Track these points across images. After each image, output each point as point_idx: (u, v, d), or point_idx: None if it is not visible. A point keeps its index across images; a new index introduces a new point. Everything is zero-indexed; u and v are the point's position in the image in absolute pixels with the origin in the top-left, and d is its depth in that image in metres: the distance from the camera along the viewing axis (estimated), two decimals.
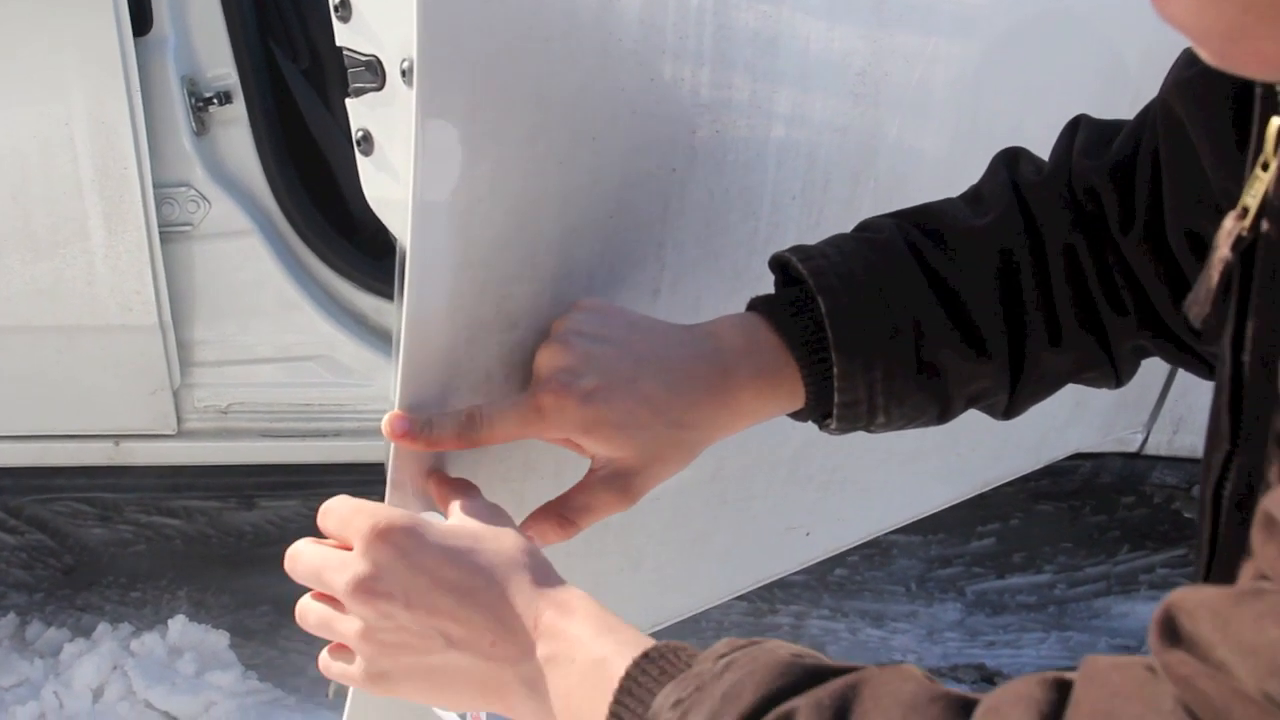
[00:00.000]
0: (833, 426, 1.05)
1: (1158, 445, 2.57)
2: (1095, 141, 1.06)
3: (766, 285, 1.34)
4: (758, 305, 1.07)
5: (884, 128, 1.40)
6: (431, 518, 0.93)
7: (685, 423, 1.01)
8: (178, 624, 2.99)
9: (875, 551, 3.41)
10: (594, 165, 1.09)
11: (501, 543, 0.89)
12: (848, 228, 1.41)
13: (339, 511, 0.92)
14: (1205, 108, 0.90)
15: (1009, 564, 3.39)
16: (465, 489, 1.00)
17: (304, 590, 0.94)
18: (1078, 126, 1.09)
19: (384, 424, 1.00)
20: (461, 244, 1.01)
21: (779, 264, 1.08)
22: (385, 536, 0.87)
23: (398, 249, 1.02)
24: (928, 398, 1.05)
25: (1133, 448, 2.59)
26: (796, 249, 1.07)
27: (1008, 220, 1.06)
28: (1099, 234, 1.05)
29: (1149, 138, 1.01)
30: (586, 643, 0.82)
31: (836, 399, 1.03)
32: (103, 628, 3.04)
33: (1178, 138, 0.96)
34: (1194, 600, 0.56)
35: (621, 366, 0.99)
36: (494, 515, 0.93)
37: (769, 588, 3.23)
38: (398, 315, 1.01)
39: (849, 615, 3.18)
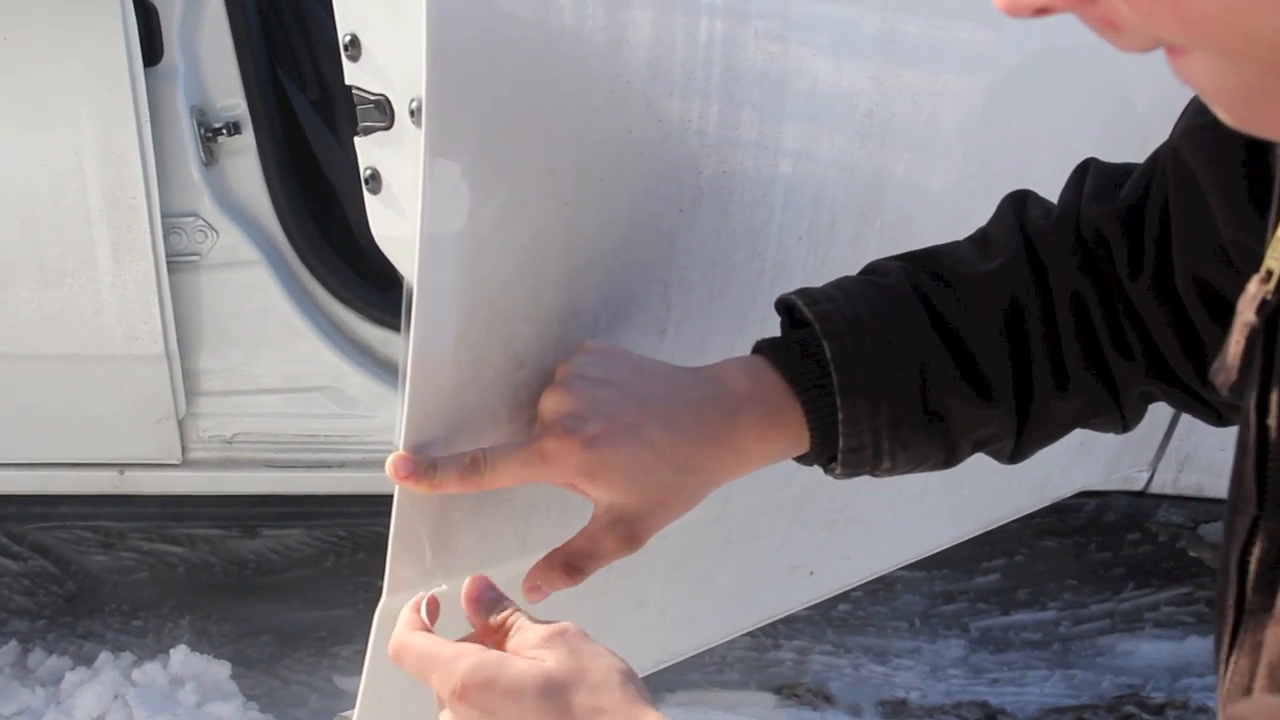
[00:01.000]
0: (838, 471, 1.05)
1: (1163, 484, 2.57)
2: (1104, 186, 1.06)
3: (772, 325, 1.34)
4: (763, 348, 1.06)
5: (890, 167, 1.40)
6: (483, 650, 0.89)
7: (690, 467, 1.01)
8: (179, 653, 2.98)
9: (879, 587, 3.40)
10: (601, 206, 1.09)
11: (571, 694, 0.84)
12: (854, 267, 1.41)
13: (415, 654, 0.90)
14: (1216, 159, 0.89)
15: (1014, 600, 3.38)
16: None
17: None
18: (1087, 171, 1.09)
19: (388, 465, 1.00)
20: (468, 283, 1.01)
21: (785, 306, 1.07)
22: (464, 698, 0.85)
23: (405, 286, 1.02)
24: (934, 443, 1.05)
25: (1138, 486, 2.58)
26: (802, 292, 1.06)
27: (1015, 265, 1.05)
28: (1107, 279, 1.04)
29: (1159, 184, 1.01)
30: None
31: (841, 444, 1.02)
32: (104, 656, 3.03)
33: (1187, 185, 0.95)
34: (1250, 711, 0.55)
35: (625, 411, 0.99)
36: (553, 642, 0.88)
37: (772, 623, 3.22)
38: (404, 351, 1.01)
39: (852, 651, 3.16)
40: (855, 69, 1.32)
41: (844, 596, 3.34)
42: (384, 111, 1.20)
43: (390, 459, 1.00)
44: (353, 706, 1.20)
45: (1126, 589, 3.38)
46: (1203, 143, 0.92)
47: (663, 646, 1.52)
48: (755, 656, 3.13)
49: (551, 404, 1.01)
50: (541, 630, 0.88)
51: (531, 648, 0.87)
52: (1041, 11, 0.56)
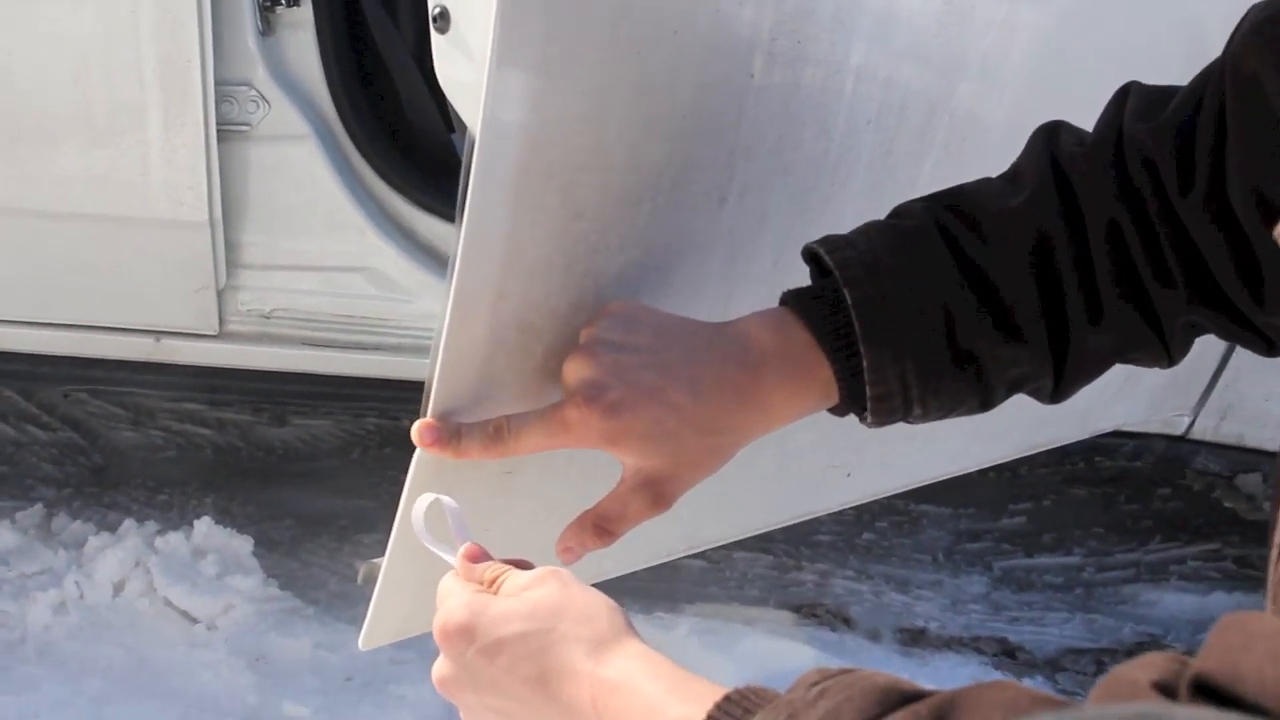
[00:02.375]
0: (869, 420, 1.04)
1: (1204, 430, 2.53)
2: (1149, 105, 1.02)
3: (835, 207, 1.32)
4: (788, 299, 1.05)
5: (966, 60, 1.36)
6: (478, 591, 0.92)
7: (715, 429, 1.01)
8: (203, 525, 3.00)
9: (904, 520, 3.39)
10: (672, 59, 1.07)
11: (556, 620, 0.86)
12: (920, 158, 1.39)
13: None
14: None
15: (1038, 543, 3.36)
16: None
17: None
18: (1128, 93, 1.05)
19: (414, 432, 1.03)
20: (532, 122, 0.99)
21: (810, 255, 1.06)
22: (444, 638, 0.89)
23: (462, 169, 1.00)
24: (965, 387, 1.03)
25: (1178, 430, 2.55)
26: (826, 240, 1.05)
27: (1043, 197, 1.02)
28: (1149, 202, 1.00)
29: (1212, 96, 0.97)
30: (660, 705, 0.80)
31: (869, 392, 1.01)
32: (128, 524, 3.05)
33: (1249, 94, 0.92)
34: None
35: (647, 375, 0.99)
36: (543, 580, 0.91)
37: (796, 545, 3.21)
38: (458, 230, 0.99)
39: (874, 578, 3.15)
40: None
41: (868, 526, 3.33)
42: None
43: (415, 426, 1.03)
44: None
45: (1154, 541, 3.35)
46: (1273, 46, 0.89)
47: (692, 533, 1.51)
48: (776, 575, 3.12)
49: (573, 371, 1.01)
50: (529, 574, 0.90)
51: (522, 589, 0.89)
52: None
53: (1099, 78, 1.50)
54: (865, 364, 1.00)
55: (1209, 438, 2.56)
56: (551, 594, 0.87)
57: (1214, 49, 1.72)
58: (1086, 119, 1.56)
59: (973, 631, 2.99)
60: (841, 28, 1.23)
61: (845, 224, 1.32)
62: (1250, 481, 2.72)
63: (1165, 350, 1.05)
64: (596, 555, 1.07)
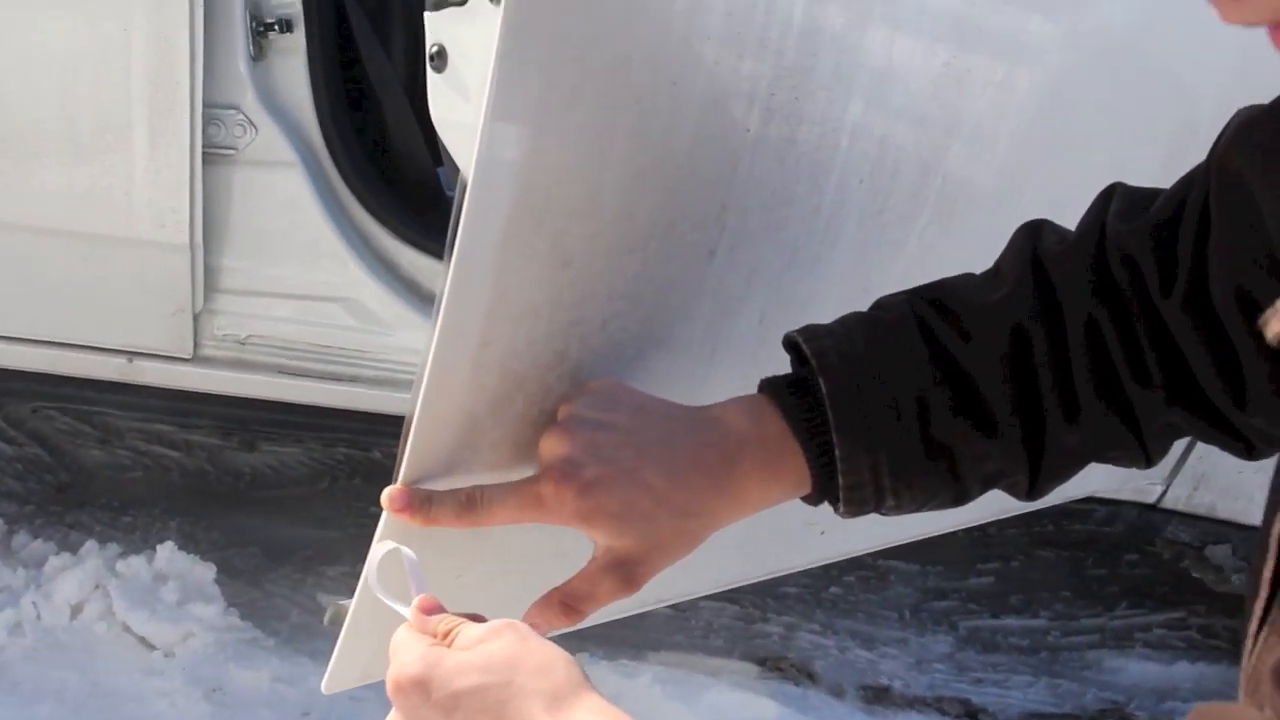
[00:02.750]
0: (841, 510, 1.03)
1: (1176, 499, 2.54)
2: (1132, 207, 1.03)
3: (825, 265, 1.31)
4: (765, 387, 1.05)
5: (961, 121, 1.36)
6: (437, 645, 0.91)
7: (688, 511, 1.01)
8: (166, 550, 2.96)
9: (872, 575, 3.38)
10: (670, 110, 1.06)
11: (513, 673, 0.85)
12: (911, 218, 1.39)
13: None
14: (1274, 158, 0.88)
15: (1005, 605, 3.35)
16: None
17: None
18: (1112, 194, 1.06)
19: (385, 497, 1.01)
20: (526, 167, 0.98)
21: (790, 344, 1.06)
22: (398, 692, 0.88)
23: (453, 210, 0.99)
24: (938, 480, 1.02)
25: (1150, 499, 2.55)
26: (805, 330, 1.05)
27: (1021, 293, 1.02)
28: (1129, 301, 1.00)
29: (1195, 198, 0.98)
30: None
31: (841, 482, 1.01)
32: (90, 545, 3.01)
33: (1234, 193, 0.93)
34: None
35: (622, 455, 0.99)
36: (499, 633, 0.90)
37: (762, 596, 3.20)
38: (445, 271, 0.98)
39: (839, 633, 3.14)
40: (940, 10, 1.28)
41: (836, 580, 3.32)
42: None
43: (387, 491, 1.01)
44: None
45: (1120, 607, 3.34)
46: (1259, 146, 0.90)
47: (667, 585, 1.48)
48: (742, 627, 3.10)
49: (549, 447, 1.01)
50: (484, 626, 0.89)
51: (477, 641, 0.88)
52: None
53: (1092, 141, 1.51)
54: (838, 453, 1.00)
55: (1181, 507, 2.57)
56: (507, 646, 0.86)
57: (1203, 114, 1.73)
58: (1078, 181, 1.56)
59: (936, 691, 2.97)
60: (840, 85, 1.22)
61: (834, 282, 1.32)
62: (1219, 553, 2.72)
63: (1143, 451, 1.04)
64: None
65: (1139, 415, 1.01)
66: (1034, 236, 1.06)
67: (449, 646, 0.89)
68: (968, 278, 1.08)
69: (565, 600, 1.03)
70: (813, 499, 1.05)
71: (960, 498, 1.05)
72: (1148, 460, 1.06)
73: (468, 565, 1.14)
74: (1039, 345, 1.01)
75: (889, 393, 1.00)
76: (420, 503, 1.01)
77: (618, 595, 1.03)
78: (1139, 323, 1.00)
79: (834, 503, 1.04)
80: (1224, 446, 1.03)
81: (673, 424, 1.02)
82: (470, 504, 1.01)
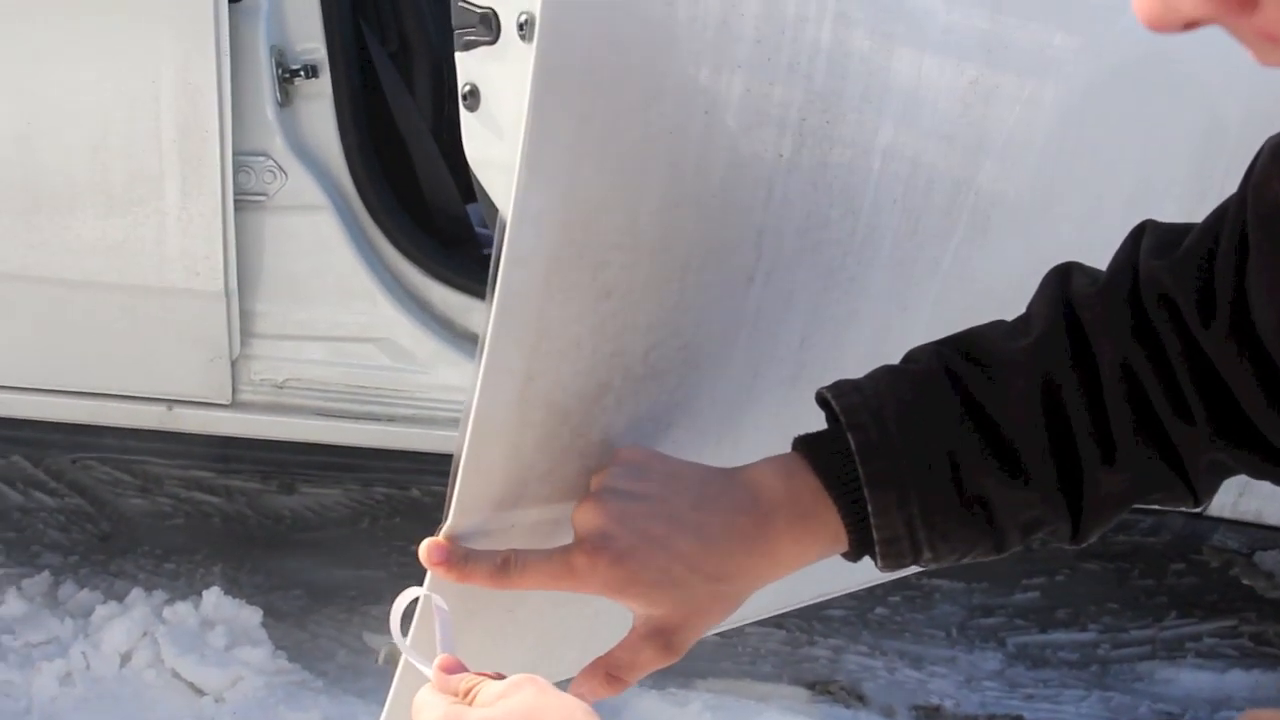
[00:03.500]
0: (879, 565, 1.03)
1: (1221, 507, 2.52)
2: (1165, 243, 1.01)
3: (861, 286, 1.31)
4: (798, 445, 1.04)
5: (990, 139, 1.36)
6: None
7: (723, 576, 1.01)
8: (212, 596, 2.98)
9: (917, 594, 3.37)
10: (703, 138, 1.06)
11: (545, 717, 0.85)
12: (945, 237, 1.39)
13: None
14: None
15: (1052, 619, 3.33)
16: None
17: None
18: (1143, 231, 1.04)
19: (422, 550, 1.01)
20: (565, 203, 0.98)
21: (822, 400, 1.05)
22: None
23: (494, 249, 0.99)
24: (976, 532, 1.01)
25: (1195, 507, 2.53)
26: (835, 385, 1.05)
27: (1053, 338, 1.01)
28: (1167, 339, 0.99)
29: (1231, 227, 0.96)
30: None
31: (875, 536, 1.00)
32: (136, 593, 3.03)
33: (1274, 221, 0.91)
34: None
35: (655, 525, 0.99)
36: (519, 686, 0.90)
37: (809, 620, 3.19)
38: (488, 309, 0.99)
39: (887, 654, 3.12)
40: (966, 28, 1.28)
41: (882, 601, 3.31)
42: (490, 26, 1.18)
43: (425, 543, 1.02)
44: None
45: (1169, 617, 3.32)
46: None
47: None
48: (789, 651, 3.09)
49: (582, 518, 1.01)
50: (503, 683, 0.89)
51: (497, 697, 0.87)
52: (1190, 26, 0.53)
53: (1121, 151, 1.51)
54: (871, 509, 0.99)
55: (1227, 514, 2.54)
56: (526, 700, 0.86)
57: (1230, 120, 1.73)
58: (1109, 192, 1.57)
59: (988, 709, 2.95)
60: (870, 106, 1.22)
61: (871, 303, 1.32)
62: (1269, 559, 2.70)
63: (1190, 490, 1.02)
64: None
65: (1182, 454, 0.99)
66: (1064, 281, 1.05)
67: (470, 704, 0.89)
68: (998, 325, 1.07)
69: (609, 670, 1.03)
70: (851, 555, 1.04)
71: (1000, 547, 1.03)
72: (1195, 500, 1.03)
73: (522, 598, 1.15)
74: (1072, 390, 1.00)
75: (920, 446, 1.00)
76: (457, 560, 1.01)
77: (659, 663, 1.03)
78: (1178, 360, 0.98)
79: (872, 557, 1.03)
80: (1273, 479, 1.00)
81: (705, 489, 1.02)
82: (505, 567, 1.01)
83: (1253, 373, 0.95)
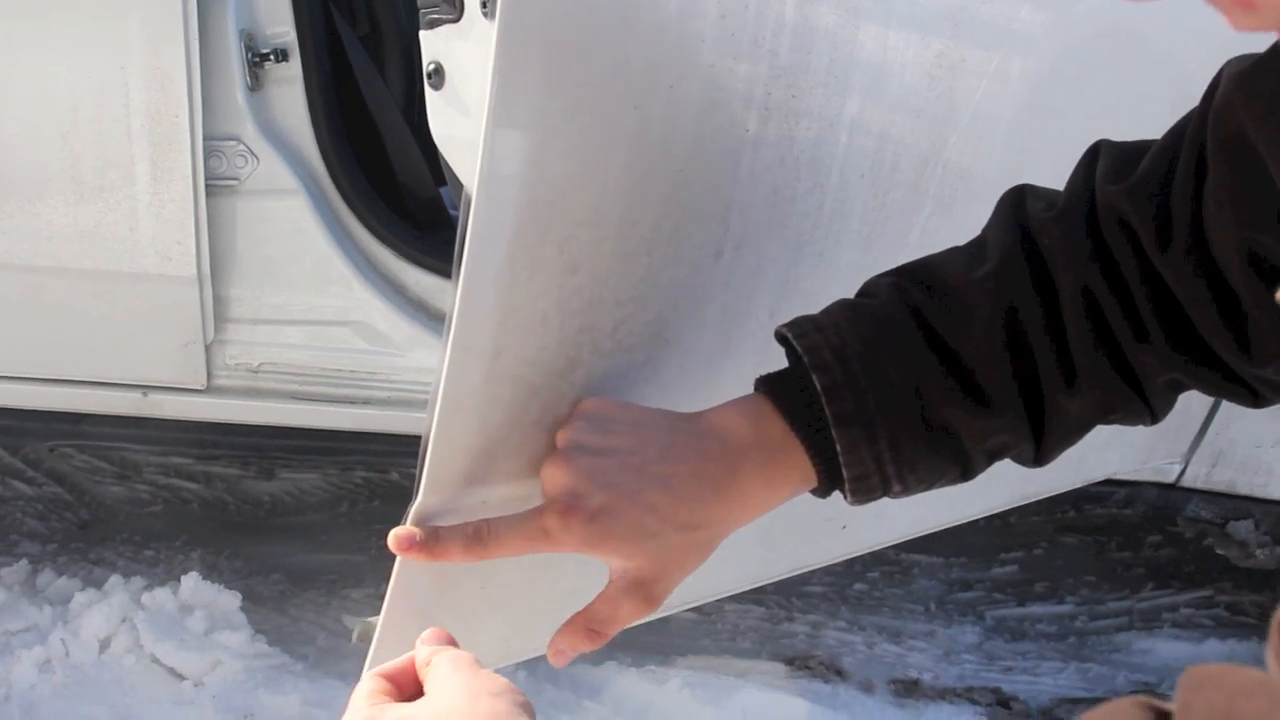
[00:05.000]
0: (849, 499, 1.04)
1: (1195, 478, 2.53)
2: (1121, 164, 1.01)
3: (830, 260, 1.32)
4: (761, 385, 1.05)
5: (957, 112, 1.36)
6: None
7: (696, 524, 1.01)
8: (190, 581, 2.98)
9: (895, 570, 3.38)
10: (668, 114, 1.07)
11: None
12: (913, 210, 1.39)
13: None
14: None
15: (1030, 592, 3.35)
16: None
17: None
18: (1098, 153, 1.04)
19: (391, 539, 1.02)
20: (529, 179, 0.99)
21: (783, 339, 1.06)
22: None
23: (459, 225, 0.99)
24: (943, 460, 1.02)
25: (1169, 478, 2.55)
26: (794, 323, 1.04)
27: (1010, 265, 1.02)
28: (1125, 265, 0.99)
29: (1188, 151, 0.96)
30: None
31: (845, 474, 1.01)
32: (114, 580, 3.03)
33: (1235, 149, 0.91)
34: None
35: (623, 479, 0.99)
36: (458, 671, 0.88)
37: (787, 596, 3.20)
38: (455, 286, 0.99)
39: (866, 629, 3.14)
40: (929, 3, 1.28)
41: (860, 576, 3.32)
42: (453, 3, 1.17)
43: (393, 533, 1.02)
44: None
45: (1145, 589, 3.34)
46: (1260, 97, 0.88)
47: (689, 587, 1.49)
48: (768, 627, 3.10)
49: (550, 478, 1.02)
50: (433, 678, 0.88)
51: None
52: None
53: (1088, 126, 1.51)
54: (839, 447, 1.00)
55: (1200, 485, 2.56)
56: (466, 698, 0.84)
57: (1199, 91, 1.73)
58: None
59: (967, 682, 2.97)
60: (835, 81, 1.23)
61: (840, 276, 1.32)
62: (1242, 528, 2.71)
63: (1148, 408, 1.04)
64: None
65: (1140, 375, 1.01)
66: (1019, 204, 1.05)
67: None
68: (953, 253, 1.07)
69: (589, 625, 1.03)
70: (820, 491, 1.05)
71: (968, 473, 1.04)
72: (1153, 417, 1.05)
73: (490, 576, 1.15)
74: (1031, 316, 1.01)
75: (884, 383, 1.00)
76: (427, 540, 1.02)
77: (639, 615, 1.03)
78: (1136, 283, 0.99)
79: (841, 493, 1.04)
80: (1229, 396, 1.02)
81: (671, 437, 1.02)
82: (477, 538, 1.01)
83: (1208, 294, 0.96)
